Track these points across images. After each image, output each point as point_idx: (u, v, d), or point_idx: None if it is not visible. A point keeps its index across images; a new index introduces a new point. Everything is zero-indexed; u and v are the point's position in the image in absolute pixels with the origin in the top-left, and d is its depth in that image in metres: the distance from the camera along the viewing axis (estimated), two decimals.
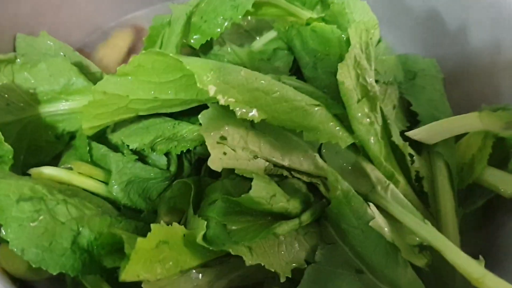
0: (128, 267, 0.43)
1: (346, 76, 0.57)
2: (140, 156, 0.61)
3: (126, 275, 0.43)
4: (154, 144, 0.59)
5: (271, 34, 0.73)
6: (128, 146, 0.59)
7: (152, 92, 0.55)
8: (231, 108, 0.51)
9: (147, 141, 0.59)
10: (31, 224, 0.46)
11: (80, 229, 0.48)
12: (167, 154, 0.62)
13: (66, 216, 0.48)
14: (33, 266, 0.44)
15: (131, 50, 0.87)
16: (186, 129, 0.60)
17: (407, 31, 0.89)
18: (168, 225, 0.49)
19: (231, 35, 0.73)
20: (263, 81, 0.54)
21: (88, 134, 0.59)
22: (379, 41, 0.72)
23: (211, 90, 0.49)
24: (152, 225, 0.46)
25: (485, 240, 0.68)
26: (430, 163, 0.67)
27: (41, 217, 0.47)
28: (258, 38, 0.74)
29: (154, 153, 0.61)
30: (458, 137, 0.68)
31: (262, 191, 0.51)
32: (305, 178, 0.59)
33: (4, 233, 0.46)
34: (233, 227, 0.51)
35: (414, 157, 0.64)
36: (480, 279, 0.48)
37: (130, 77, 0.54)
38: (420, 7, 0.86)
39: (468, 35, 0.79)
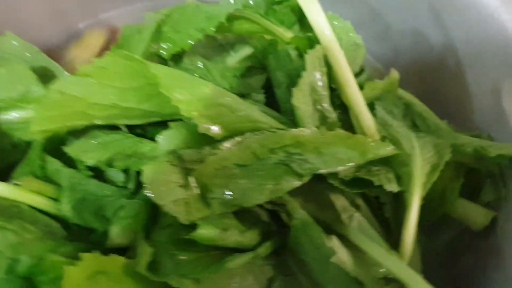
0: None
1: (301, 102, 0.55)
2: (96, 172, 0.58)
3: None
4: (112, 161, 0.57)
5: (247, 51, 0.69)
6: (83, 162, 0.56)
7: (112, 97, 0.52)
8: (193, 122, 0.49)
9: (104, 158, 0.55)
10: None
11: (18, 256, 0.45)
12: (125, 170, 0.59)
13: (2, 243, 0.46)
14: None
15: (104, 50, 0.84)
16: (147, 147, 0.57)
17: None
18: (118, 248, 0.47)
19: (205, 48, 0.70)
20: (229, 98, 0.53)
21: (37, 138, 0.56)
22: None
23: (175, 98, 0.47)
24: (81, 254, 0.43)
25: (452, 277, 0.67)
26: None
27: None
28: (232, 53, 0.71)
29: (111, 169, 0.58)
30: None
31: (212, 228, 0.49)
32: (268, 206, 0.57)
33: None
34: (182, 257, 0.49)
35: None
36: None
37: (91, 79, 0.51)
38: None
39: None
